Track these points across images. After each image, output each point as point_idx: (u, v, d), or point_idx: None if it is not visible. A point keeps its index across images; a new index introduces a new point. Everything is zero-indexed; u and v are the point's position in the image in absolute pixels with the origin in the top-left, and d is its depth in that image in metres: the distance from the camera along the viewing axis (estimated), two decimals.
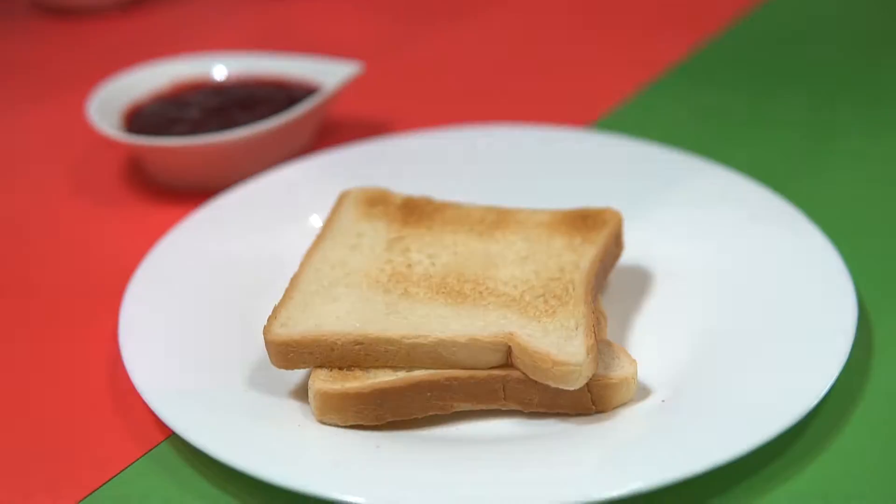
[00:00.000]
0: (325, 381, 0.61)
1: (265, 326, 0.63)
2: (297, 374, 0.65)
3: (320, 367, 0.62)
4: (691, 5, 1.18)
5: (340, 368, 0.62)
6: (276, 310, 0.64)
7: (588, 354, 0.59)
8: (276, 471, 0.56)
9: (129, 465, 0.62)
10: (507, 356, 0.61)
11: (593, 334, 0.61)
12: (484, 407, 0.62)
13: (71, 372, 0.70)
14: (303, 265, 0.69)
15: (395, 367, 0.62)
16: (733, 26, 1.12)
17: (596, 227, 0.70)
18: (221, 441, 0.58)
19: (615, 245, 0.70)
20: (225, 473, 0.59)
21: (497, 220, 0.72)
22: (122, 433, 0.64)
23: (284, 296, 0.66)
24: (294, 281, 0.67)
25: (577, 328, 0.61)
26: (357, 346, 0.62)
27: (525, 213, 0.73)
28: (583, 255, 0.68)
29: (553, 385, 0.59)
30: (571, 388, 0.59)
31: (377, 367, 0.62)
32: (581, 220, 0.71)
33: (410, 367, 0.62)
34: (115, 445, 0.63)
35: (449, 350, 0.61)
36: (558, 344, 0.60)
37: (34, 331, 0.75)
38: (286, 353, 0.62)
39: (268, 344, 0.62)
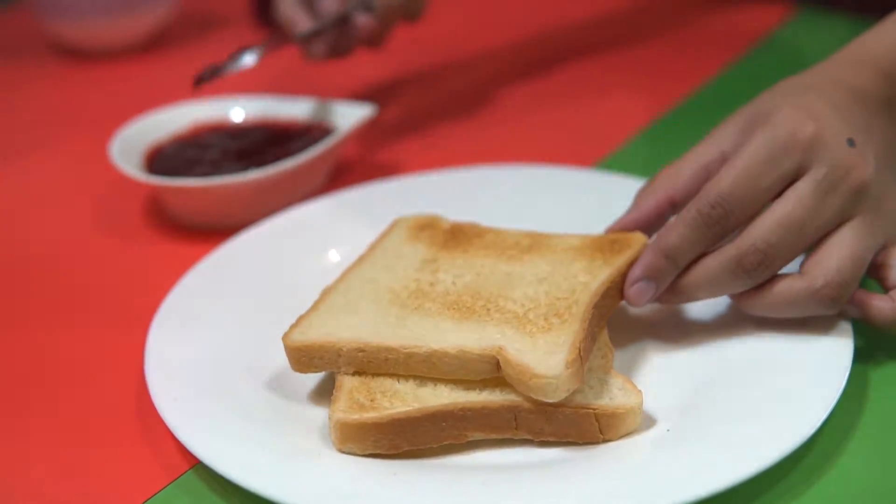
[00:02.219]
0: (344, 412, 0.63)
1: (285, 332, 0.68)
2: (318, 407, 0.68)
3: (330, 370, 0.67)
4: (691, 50, 1.21)
5: (355, 384, 0.66)
6: (299, 318, 0.69)
7: (567, 368, 0.62)
8: (297, 496, 0.59)
9: (156, 493, 0.64)
10: (496, 368, 0.64)
11: (577, 350, 0.63)
12: (497, 436, 0.64)
13: (99, 403, 0.72)
14: (337, 280, 0.74)
15: (398, 376, 0.66)
16: (725, 71, 1.15)
17: (621, 250, 0.72)
18: (245, 469, 0.61)
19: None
20: (248, 500, 0.62)
21: (530, 244, 0.75)
22: (150, 462, 0.66)
23: (311, 307, 0.71)
24: (324, 294, 0.72)
25: (564, 344, 0.64)
26: (360, 353, 0.66)
27: (558, 238, 0.76)
28: (596, 276, 0.70)
29: (534, 397, 0.62)
30: (550, 401, 0.62)
31: (381, 374, 0.66)
32: (608, 245, 0.73)
33: (411, 376, 0.65)
34: (144, 473, 0.66)
35: (441, 360, 0.65)
36: (541, 358, 0.63)
37: (62, 363, 0.77)
38: (299, 356, 0.67)
39: (284, 347, 0.67)
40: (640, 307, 0.69)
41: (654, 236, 0.71)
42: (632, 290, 0.69)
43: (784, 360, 0.67)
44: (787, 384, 0.64)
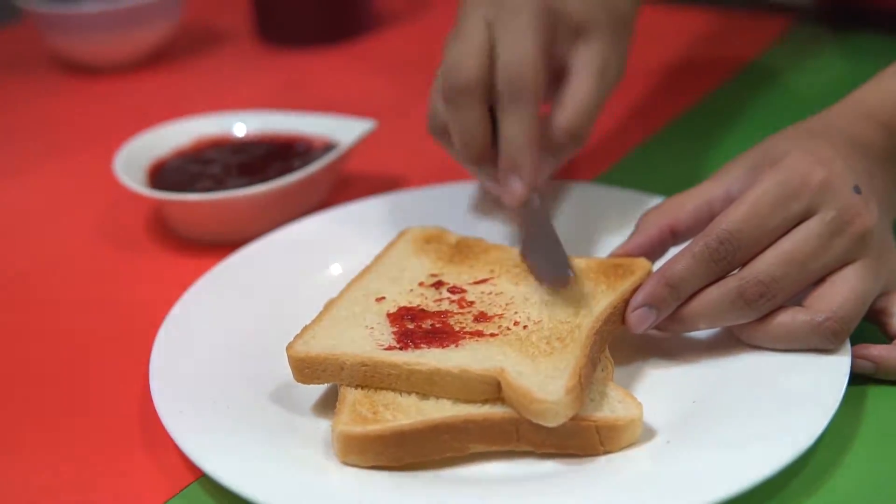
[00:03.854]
0: (347, 424, 0.64)
1: (289, 343, 0.68)
2: (322, 419, 0.68)
3: (334, 382, 0.68)
4: (689, 66, 1.22)
5: (357, 392, 0.66)
6: (304, 329, 0.70)
7: (567, 395, 0.62)
8: None
9: None
10: (497, 389, 0.65)
11: (578, 377, 0.63)
12: (498, 448, 0.65)
13: (103, 415, 0.73)
14: (343, 292, 0.74)
15: (400, 391, 0.66)
16: (722, 88, 1.16)
17: (625, 276, 0.73)
18: (249, 481, 0.61)
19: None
20: None
21: None
22: (155, 474, 0.67)
23: (316, 318, 0.71)
24: (328, 305, 0.73)
25: (565, 369, 0.65)
26: (363, 368, 0.67)
27: None
28: (599, 301, 0.71)
29: (534, 420, 0.63)
30: (550, 426, 0.62)
31: (383, 389, 0.66)
32: (613, 269, 0.74)
33: (412, 391, 0.66)
34: (148, 486, 0.66)
35: (443, 379, 0.65)
36: (542, 383, 0.63)
37: (66, 376, 0.78)
38: (302, 368, 0.68)
39: (288, 358, 0.68)
40: (639, 333, 0.70)
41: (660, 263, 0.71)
42: (633, 316, 0.69)
43: (781, 374, 0.67)
44: (785, 398, 0.65)
